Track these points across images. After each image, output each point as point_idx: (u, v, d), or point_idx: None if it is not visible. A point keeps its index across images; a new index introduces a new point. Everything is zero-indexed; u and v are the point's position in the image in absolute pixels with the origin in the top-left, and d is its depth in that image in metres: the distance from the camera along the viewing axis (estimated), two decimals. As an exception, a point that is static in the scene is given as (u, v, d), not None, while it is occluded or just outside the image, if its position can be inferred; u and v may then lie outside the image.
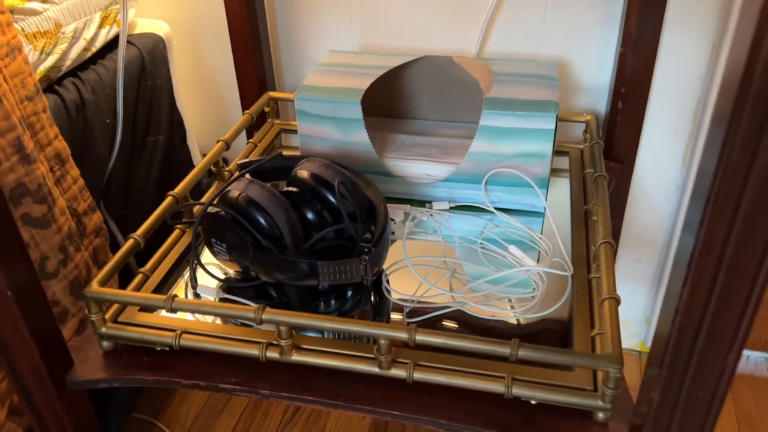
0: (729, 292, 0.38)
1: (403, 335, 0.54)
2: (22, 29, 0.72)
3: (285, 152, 0.98)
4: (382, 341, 0.55)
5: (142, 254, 0.70)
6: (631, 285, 1.11)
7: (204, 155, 1.11)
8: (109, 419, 0.85)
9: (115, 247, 0.85)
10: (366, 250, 0.63)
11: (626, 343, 1.18)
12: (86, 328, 0.77)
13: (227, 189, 0.65)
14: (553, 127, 0.72)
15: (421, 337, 0.54)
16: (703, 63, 0.88)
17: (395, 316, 0.66)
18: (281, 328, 0.57)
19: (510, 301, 0.66)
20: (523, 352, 0.53)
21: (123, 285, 0.71)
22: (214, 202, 0.65)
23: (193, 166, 1.03)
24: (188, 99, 1.10)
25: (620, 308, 0.60)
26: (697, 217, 0.37)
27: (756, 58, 0.31)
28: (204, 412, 1.06)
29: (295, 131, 0.98)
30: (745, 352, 1.16)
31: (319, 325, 0.57)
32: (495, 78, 0.79)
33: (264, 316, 0.57)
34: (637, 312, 1.14)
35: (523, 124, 0.72)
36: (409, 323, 0.62)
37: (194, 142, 1.05)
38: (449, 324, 0.64)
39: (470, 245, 0.73)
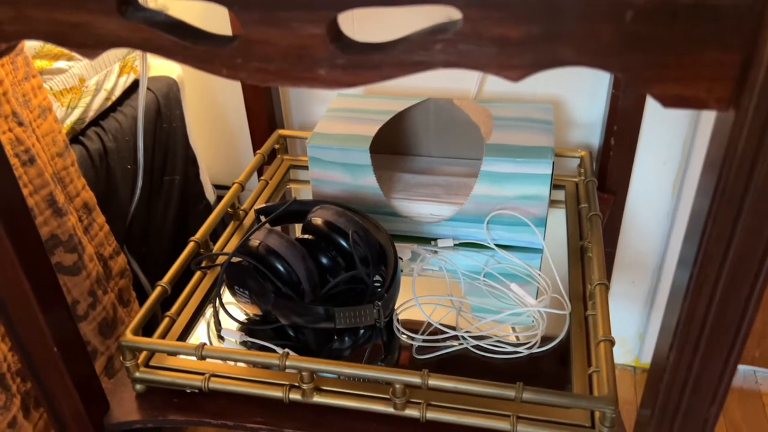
0: (713, 348, 0.43)
1: (416, 380, 0.59)
2: (51, 88, 0.76)
3: (294, 186, 1.03)
4: (397, 385, 0.60)
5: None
6: (626, 305, 1.16)
7: (215, 187, 1.16)
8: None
9: (137, 285, 0.90)
10: (379, 295, 0.68)
11: (622, 359, 1.24)
12: (113, 365, 0.82)
13: (248, 239, 0.70)
14: (550, 172, 0.77)
15: (434, 382, 0.59)
16: (690, 100, 0.93)
17: (404, 338, 0.70)
18: (303, 373, 0.62)
19: (515, 337, 0.71)
20: (527, 395, 0.58)
21: (146, 325, 0.76)
22: (237, 251, 0.70)
23: (206, 200, 1.08)
24: (198, 134, 1.15)
25: (616, 327, 0.65)
26: (691, 257, 0.41)
27: (744, 115, 0.35)
28: (220, 434, 1.11)
29: (303, 167, 1.03)
30: (735, 366, 1.21)
31: (339, 371, 0.62)
32: (494, 122, 0.84)
33: (288, 363, 0.62)
34: (631, 330, 1.19)
35: (522, 170, 0.77)
36: (421, 365, 0.67)
37: (206, 177, 1.10)
38: (456, 354, 0.69)
39: (473, 282, 0.78)
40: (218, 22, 1.05)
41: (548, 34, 0.34)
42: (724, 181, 0.37)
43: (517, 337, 0.71)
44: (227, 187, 1.20)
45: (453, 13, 0.35)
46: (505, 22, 0.34)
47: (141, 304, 0.89)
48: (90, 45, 0.40)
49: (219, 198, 1.14)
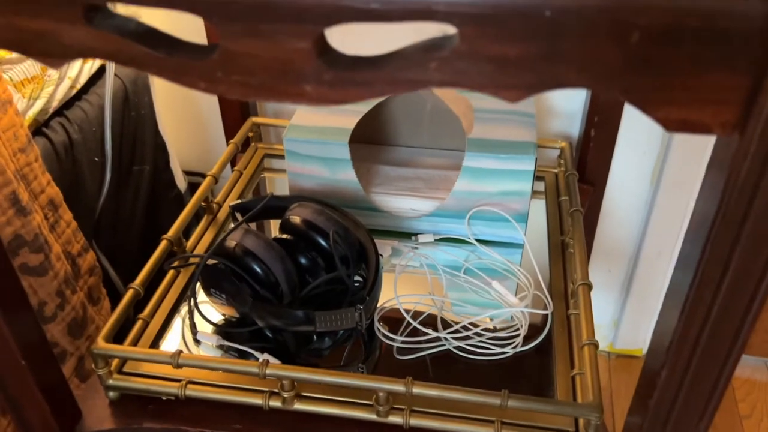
0: (707, 364, 0.43)
1: (400, 389, 0.58)
2: (11, 79, 0.72)
3: (268, 175, 1.01)
4: (381, 393, 0.59)
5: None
6: (601, 292, 1.17)
7: (186, 173, 1.12)
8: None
9: (107, 281, 0.87)
10: (360, 298, 0.66)
11: (596, 345, 1.25)
12: (84, 366, 0.79)
13: (224, 239, 0.68)
14: (533, 168, 0.76)
15: (418, 390, 0.58)
16: (671, 91, 0.93)
17: (387, 329, 0.70)
18: (284, 381, 0.60)
19: (494, 328, 0.70)
20: (513, 402, 0.57)
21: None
22: (212, 253, 0.68)
23: (177, 189, 1.05)
24: (168, 120, 1.10)
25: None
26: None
27: (748, 141, 0.33)
28: None
29: (278, 155, 1.00)
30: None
31: (321, 379, 0.60)
32: (475, 115, 0.83)
33: (267, 371, 0.60)
34: (606, 317, 1.20)
35: (505, 166, 0.76)
36: (402, 366, 0.66)
37: (177, 164, 1.06)
38: (438, 355, 0.68)
39: (454, 279, 0.77)
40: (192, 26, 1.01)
41: (549, 53, 0.32)
42: (725, 207, 0.36)
43: (495, 328, 0.70)
44: (198, 174, 1.17)
45: (447, 28, 0.33)
46: (503, 41, 0.32)
47: (112, 300, 0.86)
48: (55, 54, 0.37)
49: (190, 185, 1.11)
